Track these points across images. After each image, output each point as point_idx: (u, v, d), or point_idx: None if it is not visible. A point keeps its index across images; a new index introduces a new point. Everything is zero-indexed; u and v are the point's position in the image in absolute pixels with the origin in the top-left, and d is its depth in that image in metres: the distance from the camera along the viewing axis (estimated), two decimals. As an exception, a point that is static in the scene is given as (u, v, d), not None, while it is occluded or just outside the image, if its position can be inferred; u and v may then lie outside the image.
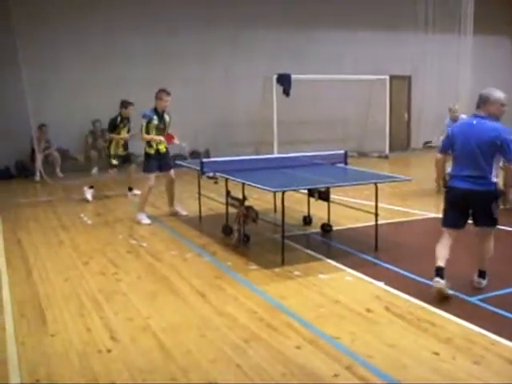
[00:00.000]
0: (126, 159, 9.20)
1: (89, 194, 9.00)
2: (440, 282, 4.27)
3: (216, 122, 13.57)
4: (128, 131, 8.97)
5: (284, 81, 12.96)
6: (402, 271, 5.10)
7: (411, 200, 8.72)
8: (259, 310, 4.26)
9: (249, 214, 5.94)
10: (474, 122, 4.26)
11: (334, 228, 6.52)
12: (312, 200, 6.65)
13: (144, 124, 7.21)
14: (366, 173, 6.88)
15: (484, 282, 4.56)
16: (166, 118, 7.38)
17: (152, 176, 7.31)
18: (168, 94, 7.22)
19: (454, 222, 4.42)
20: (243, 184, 5.99)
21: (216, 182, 7.60)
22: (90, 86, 12.08)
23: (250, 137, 14.08)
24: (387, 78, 14.17)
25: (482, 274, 4.56)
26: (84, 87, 12.06)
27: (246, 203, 6.17)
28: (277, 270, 5.20)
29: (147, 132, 7.20)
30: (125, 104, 8.96)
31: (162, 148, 7.42)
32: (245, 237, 6.07)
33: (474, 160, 4.23)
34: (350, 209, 6.91)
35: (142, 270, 5.32)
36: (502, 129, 4.20)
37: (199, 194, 7.53)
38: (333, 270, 5.18)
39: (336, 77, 13.45)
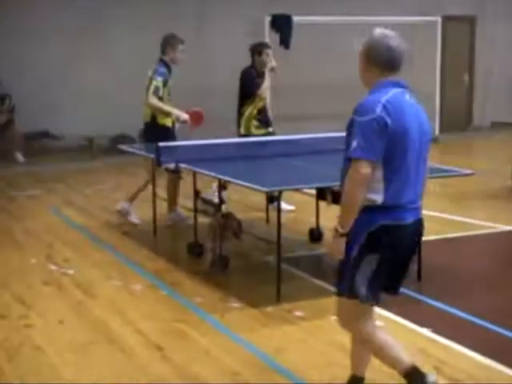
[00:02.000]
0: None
1: None
2: None
3: (181, 89, 13.48)
4: None
5: (282, 26, 12.99)
6: (457, 312, 5.11)
7: (472, 205, 8.75)
8: (242, 369, 4.24)
9: (228, 226, 5.94)
10: (407, 98, 3.51)
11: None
12: (322, 204, 6.64)
13: (160, 85, 7.46)
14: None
15: None
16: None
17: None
18: (183, 42, 7.64)
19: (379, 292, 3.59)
20: (220, 180, 5.96)
21: (180, 178, 7.60)
22: None
23: (231, 110, 14.03)
24: (438, 19, 14.25)
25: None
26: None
27: (224, 209, 6.15)
28: (269, 309, 5.20)
29: (159, 96, 7.46)
30: None
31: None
32: (222, 259, 6.07)
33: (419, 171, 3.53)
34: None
35: (66, 310, 5.29)
36: None
37: (154, 194, 7.54)
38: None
39: (360, 19, 13.47)
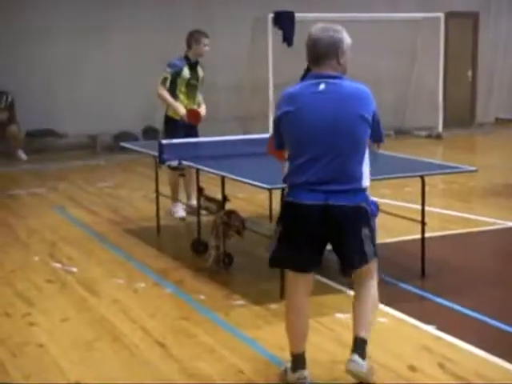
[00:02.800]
0: None
1: None
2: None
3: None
4: None
5: (284, 23, 12.99)
6: (461, 308, 5.10)
7: (476, 201, 8.74)
8: (246, 367, 4.24)
9: (231, 223, 5.94)
10: (322, 88, 3.76)
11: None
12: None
13: (168, 76, 7.65)
14: (408, 160, 6.88)
15: (362, 363, 3.86)
16: (200, 71, 7.87)
17: None
18: (206, 35, 7.79)
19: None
20: (223, 178, 5.99)
21: (183, 175, 7.61)
22: None
23: (235, 108, 14.10)
24: (441, 16, 14.23)
25: (360, 348, 3.91)
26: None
27: (228, 207, 6.15)
28: (273, 306, 5.20)
29: (173, 89, 7.67)
30: None
31: None
32: (226, 257, 6.07)
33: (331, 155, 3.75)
34: (383, 215, 6.89)
35: (70, 308, 5.29)
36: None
37: (157, 192, 7.54)
38: (358, 306, 5.17)
39: (364, 16, 13.48)
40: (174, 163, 6.46)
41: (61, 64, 12.71)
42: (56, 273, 6.12)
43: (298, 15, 12.97)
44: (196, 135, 7.86)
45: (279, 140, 3.95)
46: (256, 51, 13.25)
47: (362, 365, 3.83)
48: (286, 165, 3.91)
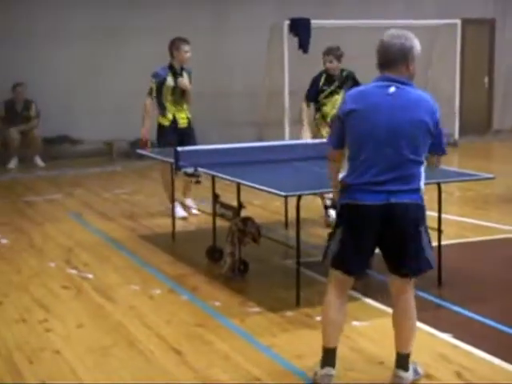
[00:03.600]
0: None
1: None
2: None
3: (200, 93, 13.60)
4: None
5: (300, 30, 12.98)
6: (478, 317, 5.08)
7: (493, 209, 8.69)
8: (262, 375, 4.23)
9: (247, 230, 5.93)
10: (391, 91, 3.85)
11: (376, 251, 6.49)
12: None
13: (153, 86, 7.95)
14: (425, 167, 6.85)
15: (407, 376, 4.00)
16: (185, 76, 8.08)
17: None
18: (187, 42, 8.00)
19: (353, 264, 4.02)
20: (239, 185, 5.98)
21: (198, 182, 7.59)
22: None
23: (250, 114, 14.11)
24: (458, 22, 14.20)
25: (403, 362, 4.01)
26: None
27: (243, 213, 6.15)
28: (289, 313, 5.20)
29: (160, 97, 7.96)
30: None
31: (182, 118, 8.09)
32: (241, 264, 6.07)
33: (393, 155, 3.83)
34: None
35: (86, 314, 5.31)
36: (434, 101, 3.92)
37: (172, 199, 7.52)
38: (374, 314, 5.17)
39: (380, 22, 13.42)
40: (190, 170, 6.46)
41: (77, 70, 12.76)
42: (72, 279, 6.14)
43: (314, 22, 12.96)
44: (191, 139, 8.05)
45: (339, 138, 3.98)
46: (272, 58, 13.24)
47: (406, 377, 3.99)
48: (345, 164, 3.97)
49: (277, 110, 13.00)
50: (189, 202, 8.33)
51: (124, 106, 12.60)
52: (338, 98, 7.76)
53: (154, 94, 8.01)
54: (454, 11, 14.40)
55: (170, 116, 8.06)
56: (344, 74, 8.03)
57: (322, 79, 7.98)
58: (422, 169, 3.91)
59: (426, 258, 3.91)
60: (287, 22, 12.97)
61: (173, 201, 7.55)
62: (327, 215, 7.56)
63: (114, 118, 12.88)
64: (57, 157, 12.52)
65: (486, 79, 15.89)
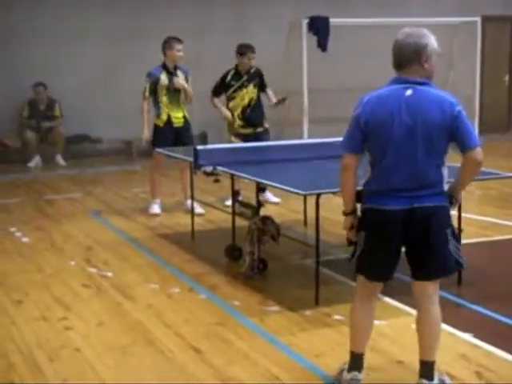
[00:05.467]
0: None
1: None
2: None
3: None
4: None
5: (319, 28, 12.97)
6: (499, 316, 5.06)
7: (513, 208, 8.63)
8: (281, 373, 4.23)
9: (266, 229, 5.93)
10: (409, 93, 3.75)
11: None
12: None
13: (147, 86, 8.11)
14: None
15: None
16: (180, 76, 8.13)
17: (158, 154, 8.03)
18: (179, 41, 8.06)
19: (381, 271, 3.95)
20: (258, 183, 5.96)
21: (217, 181, 7.61)
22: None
23: (269, 113, 14.02)
24: (478, 20, 14.11)
25: (427, 371, 3.90)
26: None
27: (262, 212, 6.14)
28: (308, 312, 5.20)
29: (155, 97, 8.12)
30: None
31: (178, 117, 8.21)
32: (260, 263, 6.07)
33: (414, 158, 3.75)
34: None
35: (105, 312, 5.33)
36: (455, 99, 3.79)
37: (192, 198, 7.54)
38: (393, 313, 5.16)
39: (398, 21, 13.35)
40: (209, 169, 6.47)
41: (98, 70, 12.81)
42: (92, 277, 6.17)
43: (332, 20, 12.94)
44: (187, 138, 8.22)
45: (356, 143, 3.83)
46: (291, 56, 13.22)
47: None
48: (368, 169, 3.88)
49: (296, 109, 12.98)
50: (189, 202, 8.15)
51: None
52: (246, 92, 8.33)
53: (147, 93, 8.15)
54: (473, 8, 14.32)
55: (164, 117, 8.19)
56: (252, 70, 8.46)
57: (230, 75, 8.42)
58: (445, 171, 3.84)
59: (453, 257, 3.84)
60: (306, 21, 12.96)
61: (192, 198, 7.53)
62: None
63: (133, 117, 12.84)
64: (77, 155, 12.58)
65: (507, 77, 15.77)
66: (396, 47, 3.79)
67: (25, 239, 7.46)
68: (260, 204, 6.17)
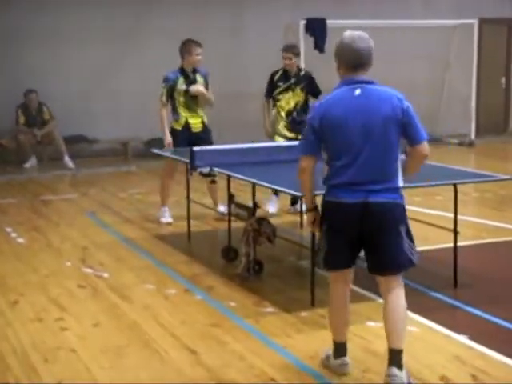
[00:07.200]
0: None
1: None
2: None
3: (216, 93, 13.62)
4: None
5: (316, 29, 12.97)
6: (494, 319, 5.06)
7: (509, 210, 8.63)
8: (276, 374, 4.24)
9: (262, 230, 5.94)
10: (357, 93, 3.97)
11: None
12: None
13: (164, 91, 7.76)
14: (440, 168, 6.82)
15: (401, 375, 3.92)
16: (199, 79, 7.85)
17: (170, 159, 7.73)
18: (199, 44, 7.74)
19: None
20: (254, 185, 5.99)
21: (214, 182, 7.63)
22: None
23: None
24: (475, 22, 14.15)
25: (396, 359, 3.96)
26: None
27: (258, 213, 6.14)
28: (304, 314, 5.20)
29: (172, 103, 7.80)
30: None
31: (196, 123, 7.89)
32: (256, 264, 6.08)
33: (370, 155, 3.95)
34: (415, 222, 6.83)
35: (101, 313, 5.33)
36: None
37: (188, 199, 7.57)
38: (389, 315, 5.14)
39: (397, 22, 13.41)
40: (206, 170, 6.47)
41: (94, 70, 12.80)
42: (87, 278, 6.16)
43: (329, 22, 12.94)
44: (205, 143, 7.59)
45: (311, 145, 4.08)
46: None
47: (401, 377, 3.91)
48: (325, 168, 4.09)
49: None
50: (221, 208, 7.99)
51: (140, 106, 12.62)
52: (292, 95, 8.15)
53: (164, 98, 7.77)
54: (470, 11, 14.33)
55: (182, 121, 7.84)
56: (302, 73, 8.32)
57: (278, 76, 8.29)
58: (399, 164, 4.00)
59: (406, 254, 3.99)
60: (303, 22, 12.96)
61: (188, 199, 7.52)
62: None
63: (129, 118, 12.91)
64: (73, 156, 12.54)
65: (503, 79, 15.79)
66: (352, 51, 3.99)
67: (20, 240, 7.46)
68: (256, 205, 6.16)
